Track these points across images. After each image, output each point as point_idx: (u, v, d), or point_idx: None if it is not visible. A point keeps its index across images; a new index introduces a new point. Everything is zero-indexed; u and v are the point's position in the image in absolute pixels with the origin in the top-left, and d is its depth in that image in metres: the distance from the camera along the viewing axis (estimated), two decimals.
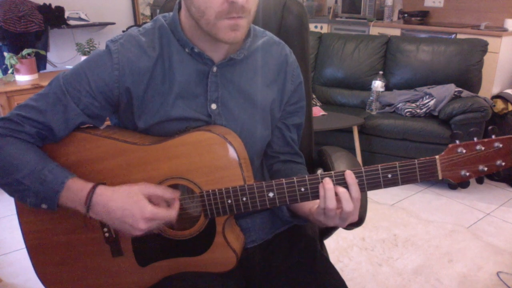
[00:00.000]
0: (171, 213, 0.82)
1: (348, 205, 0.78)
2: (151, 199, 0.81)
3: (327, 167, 1.15)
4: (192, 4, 0.80)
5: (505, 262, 2.03)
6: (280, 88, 0.97)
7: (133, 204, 0.79)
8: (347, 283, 0.90)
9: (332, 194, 0.78)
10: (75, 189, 0.81)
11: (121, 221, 0.79)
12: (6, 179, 0.82)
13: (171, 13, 0.91)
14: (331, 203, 0.78)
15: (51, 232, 0.90)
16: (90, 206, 0.80)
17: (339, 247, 2.15)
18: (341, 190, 0.78)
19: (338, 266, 1.76)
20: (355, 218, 0.81)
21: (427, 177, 0.78)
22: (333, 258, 2.01)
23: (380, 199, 2.64)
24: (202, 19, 0.80)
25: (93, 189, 0.81)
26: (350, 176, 0.79)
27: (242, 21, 0.80)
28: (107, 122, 0.96)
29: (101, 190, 0.81)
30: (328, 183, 0.79)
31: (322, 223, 0.83)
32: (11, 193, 0.84)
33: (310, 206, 0.86)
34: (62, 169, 0.83)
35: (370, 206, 2.48)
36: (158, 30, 0.89)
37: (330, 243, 2.13)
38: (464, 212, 2.51)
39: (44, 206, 0.82)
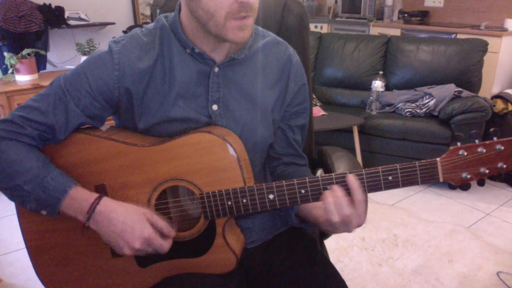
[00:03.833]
0: (165, 245, 0.82)
1: (346, 210, 0.76)
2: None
3: (327, 167, 1.14)
4: (199, 7, 0.79)
5: (505, 262, 2.03)
6: (283, 88, 0.96)
7: (136, 221, 0.80)
8: (347, 283, 0.90)
9: (332, 208, 0.76)
10: (78, 198, 0.81)
11: (119, 235, 0.80)
12: (7, 184, 0.82)
13: (173, 13, 0.91)
14: (334, 216, 0.76)
15: (51, 232, 0.90)
16: (92, 216, 0.80)
17: (339, 247, 2.14)
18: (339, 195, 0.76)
19: (338, 266, 1.75)
20: (361, 221, 0.78)
21: (428, 180, 0.77)
22: (333, 258, 2.00)
23: (380, 199, 2.64)
24: (210, 21, 0.79)
25: (98, 199, 0.81)
26: (352, 181, 0.76)
27: (250, 20, 0.80)
28: (110, 123, 0.95)
29: (106, 201, 0.82)
30: (328, 196, 0.76)
31: (332, 232, 0.83)
32: (11, 198, 0.84)
33: (319, 215, 0.85)
34: (65, 177, 0.83)
35: (370, 206, 2.48)
36: (159, 30, 0.89)
37: (330, 243, 2.13)
38: (464, 212, 2.51)
39: (44, 212, 0.83)
